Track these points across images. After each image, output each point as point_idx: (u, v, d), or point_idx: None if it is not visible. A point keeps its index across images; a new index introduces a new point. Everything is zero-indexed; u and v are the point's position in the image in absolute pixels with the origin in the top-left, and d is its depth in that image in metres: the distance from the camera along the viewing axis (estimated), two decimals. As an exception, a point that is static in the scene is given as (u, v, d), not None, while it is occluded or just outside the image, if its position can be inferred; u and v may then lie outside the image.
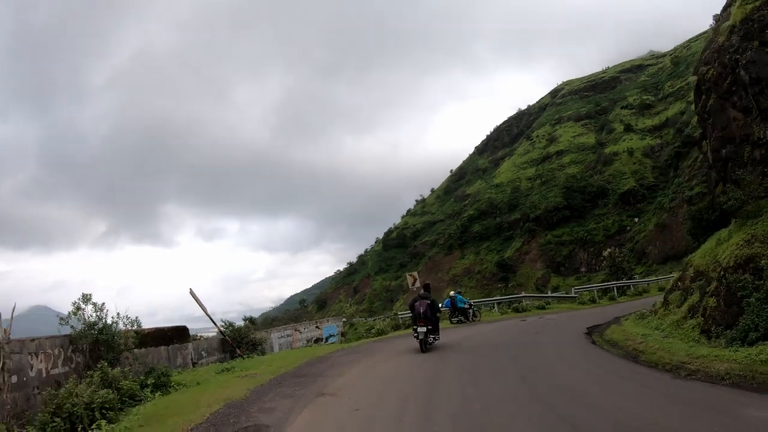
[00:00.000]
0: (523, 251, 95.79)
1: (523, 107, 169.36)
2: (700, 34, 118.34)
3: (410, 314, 18.17)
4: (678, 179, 79.05)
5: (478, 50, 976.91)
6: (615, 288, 36.91)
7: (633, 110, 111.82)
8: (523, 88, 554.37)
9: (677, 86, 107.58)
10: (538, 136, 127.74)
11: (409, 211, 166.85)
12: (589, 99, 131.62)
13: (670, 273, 45.75)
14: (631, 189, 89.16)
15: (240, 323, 22.23)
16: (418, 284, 24.52)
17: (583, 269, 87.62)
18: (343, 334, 28.02)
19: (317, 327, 28.02)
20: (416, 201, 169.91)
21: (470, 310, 27.18)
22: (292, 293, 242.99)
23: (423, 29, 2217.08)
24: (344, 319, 33.66)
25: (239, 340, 20.05)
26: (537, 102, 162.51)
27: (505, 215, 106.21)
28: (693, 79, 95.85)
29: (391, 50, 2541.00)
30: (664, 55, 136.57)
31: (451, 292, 28.34)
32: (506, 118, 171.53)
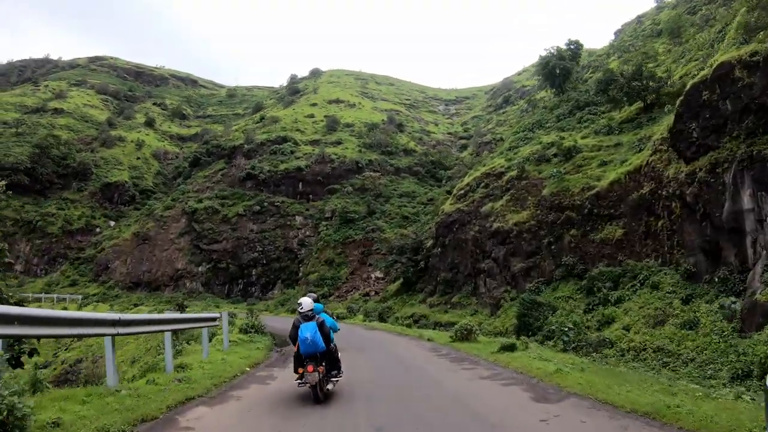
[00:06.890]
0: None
1: (55, 58, 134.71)
2: (265, 86, 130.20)
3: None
4: (185, 186, 66.88)
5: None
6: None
7: (165, 111, 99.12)
8: (72, 46, 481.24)
9: (220, 112, 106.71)
10: (48, 86, 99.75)
11: None
12: (127, 82, 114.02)
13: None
14: (122, 183, 71.63)
15: None
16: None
17: (18, 268, 62.31)
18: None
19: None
20: None
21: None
22: None
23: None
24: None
25: None
26: (73, 58, 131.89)
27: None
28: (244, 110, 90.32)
29: None
30: (223, 87, 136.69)
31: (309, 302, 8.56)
32: (27, 58, 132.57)
